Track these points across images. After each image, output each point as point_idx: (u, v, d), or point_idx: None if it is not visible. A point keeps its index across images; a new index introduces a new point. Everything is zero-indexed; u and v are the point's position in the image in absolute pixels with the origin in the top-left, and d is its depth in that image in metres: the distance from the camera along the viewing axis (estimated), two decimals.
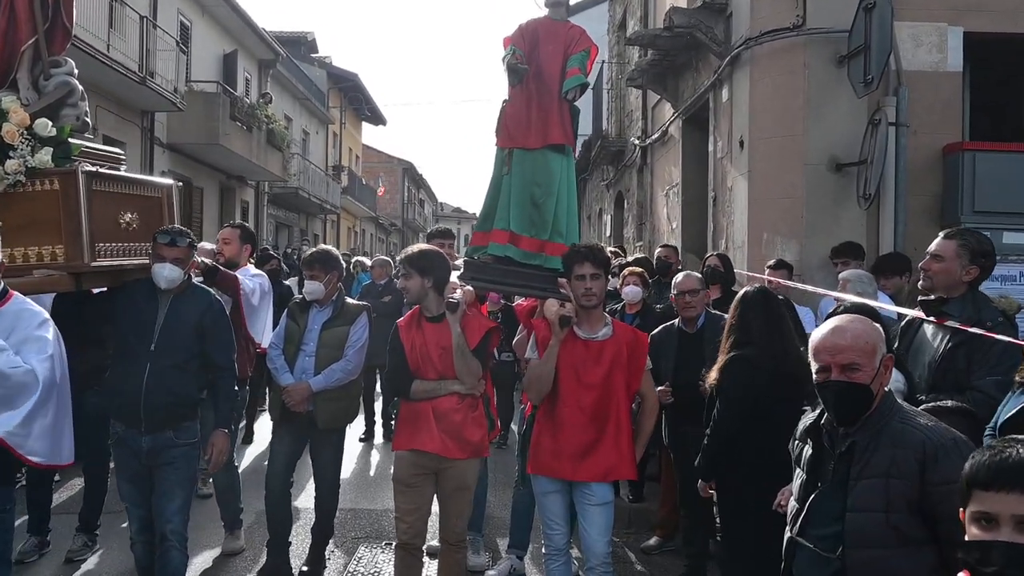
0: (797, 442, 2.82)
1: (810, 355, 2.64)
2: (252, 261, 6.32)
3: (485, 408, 4.61)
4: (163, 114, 18.60)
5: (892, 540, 2.40)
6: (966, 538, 1.74)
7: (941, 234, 3.93)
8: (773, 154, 7.55)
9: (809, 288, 6.33)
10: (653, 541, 6.05)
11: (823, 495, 2.57)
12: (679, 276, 5.52)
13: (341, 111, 36.67)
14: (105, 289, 4.49)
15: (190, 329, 4.34)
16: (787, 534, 2.70)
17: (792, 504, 2.75)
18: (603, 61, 16.87)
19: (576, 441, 4.18)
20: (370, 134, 45.20)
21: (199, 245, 5.36)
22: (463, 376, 4.38)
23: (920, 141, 7.27)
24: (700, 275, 5.62)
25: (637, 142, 13.46)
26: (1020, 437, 1.79)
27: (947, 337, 3.78)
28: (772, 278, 6.60)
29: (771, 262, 6.84)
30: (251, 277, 5.83)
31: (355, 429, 8.58)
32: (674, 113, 10.68)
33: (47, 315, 3.36)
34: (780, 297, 5.23)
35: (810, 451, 2.70)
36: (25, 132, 4.05)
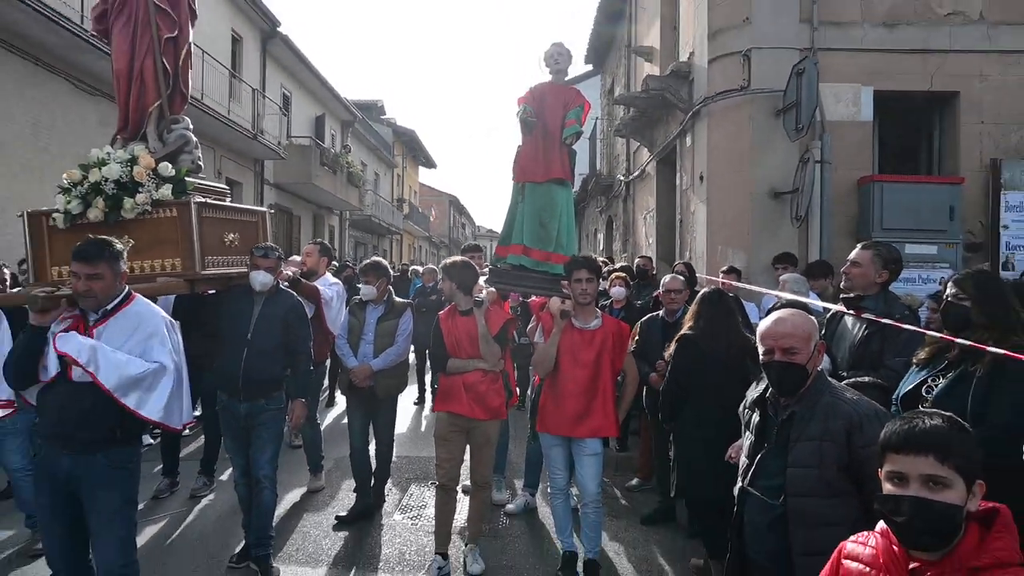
0: (746, 410, 2.64)
1: (757, 340, 2.48)
2: (330, 270, 6.17)
3: (504, 382, 4.47)
4: (270, 161, 18.67)
5: (824, 491, 2.24)
6: (883, 492, 1.61)
7: (859, 246, 3.71)
8: (726, 186, 7.33)
9: (754, 288, 6.11)
10: (635, 482, 5.89)
11: (768, 453, 2.41)
12: (667, 278, 5.34)
13: (403, 158, 36.64)
14: (214, 292, 4.38)
15: (278, 323, 4.24)
16: (738, 484, 2.53)
17: (743, 460, 2.56)
18: (596, 118, 16.69)
19: (573, 406, 4.09)
20: (424, 175, 45.18)
21: (290, 259, 5.25)
22: (486, 356, 4.30)
23: (839, 175, 7.02)
24: (683, 278, 5.42)
25: (622, 178, 13.25)
26: (927, 411, 1.66)
27: (864, 327, 3.57)
28: (725, 280, 6.39)
29: (724, 268, 6.63)
30: (329, 285, 5.69)
31: (408, 397, 8.47)
32: (650, 156, 10.46)
33: (163, 313, 3.23)
34: (731, 295, 5.12)
35: (757, 418, 2.53)
36: (151, 173, 3.96)
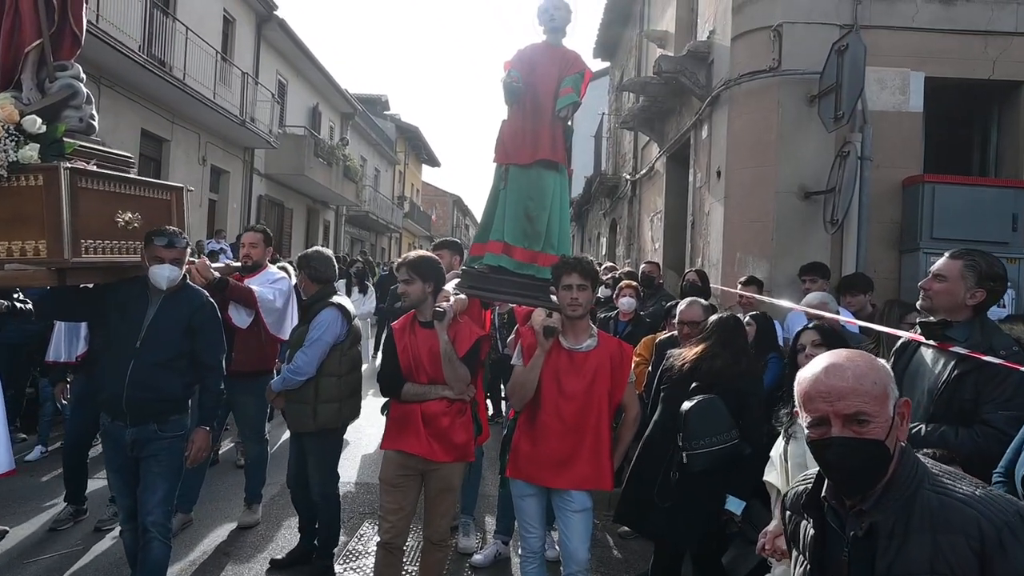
0: (790, 513, 1.63)
1: (798, 403, 1.47)
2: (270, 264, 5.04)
3: (473, 413, 3.50)
4: (262, 151, 17.81)
5: None
6: None
7: (946, 255, 2.71)
8: (747, 183, 6.32)
9: (778, 302, 5.11)
10: None
11: None
12: (683, 305, 4.28)
13: (405, 155, 35.74)
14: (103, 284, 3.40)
15: (179, 328, 3.27)
16: None
17: None
18: (603, 113, 15.76)
19: (554, 449, 3.16)
20: (428, 173, 44.24)
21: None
22: (451, 382, 3.33)
23: (881, 174, 6.01)
24: (704, 303, 4.33)
25: (628, 177, 12.27)
26: None
27: (951, 364, 2.58)
28: (743, 293, 5.41)
29: (743, 278, 5.61)
30: (272, 281, 4.61)
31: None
32: (660, 151, 9.46)
33: None
34: (755, 312, 4.27)
35: (812, 531, 1.51)
36: (12, 128, 2.98)
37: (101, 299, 3.37)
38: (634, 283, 5.65)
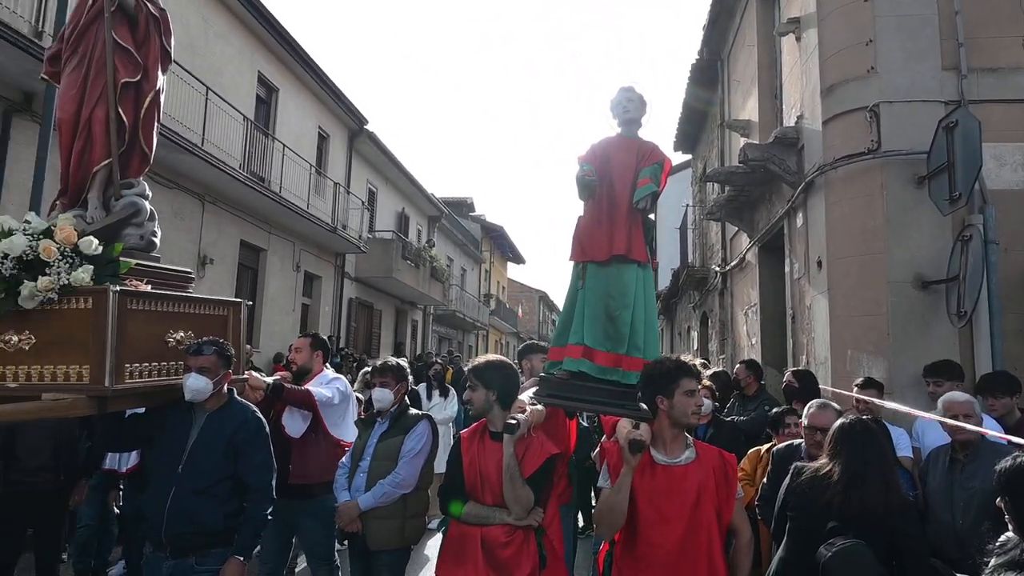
0: None
1: None
2: (327, 367, 4.82)
3: (538, 541, 3.03)
4: (352, 256, 18.38)
5: None
6: None
7: None
8: (853, 272, 5.70)
9: (903, 409, 4.40)
10: None
11: None
12: (812, 408, 3.69)
13: (491, 253, 36.33)
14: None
15: (220, 449, 3.05)
16: None
17: None
18: (687, 205, 15.39)
19: None
20: (513, 270, 44.68)
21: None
22: (510, 503, 2.95)
23: (1010, 258, 5.29)
24: (837, 408, 3.74)
25: (718, 269, 11.69)
26: None
27: None
28: (860, 396, 4.72)
29: (859, 380, 4.89)
30: (328, 383, 4.41)
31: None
32: (751, 242, 8.93)
33: None
34: (874, 421, 3.61)
35: None
36: (68, 250, 2.92)
37: (146, 423, 3.19)
38: (708, 383, 4.99)
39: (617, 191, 3.61)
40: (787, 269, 7.34)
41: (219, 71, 12.27)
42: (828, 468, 2.88)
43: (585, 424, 5.41)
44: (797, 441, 3.89)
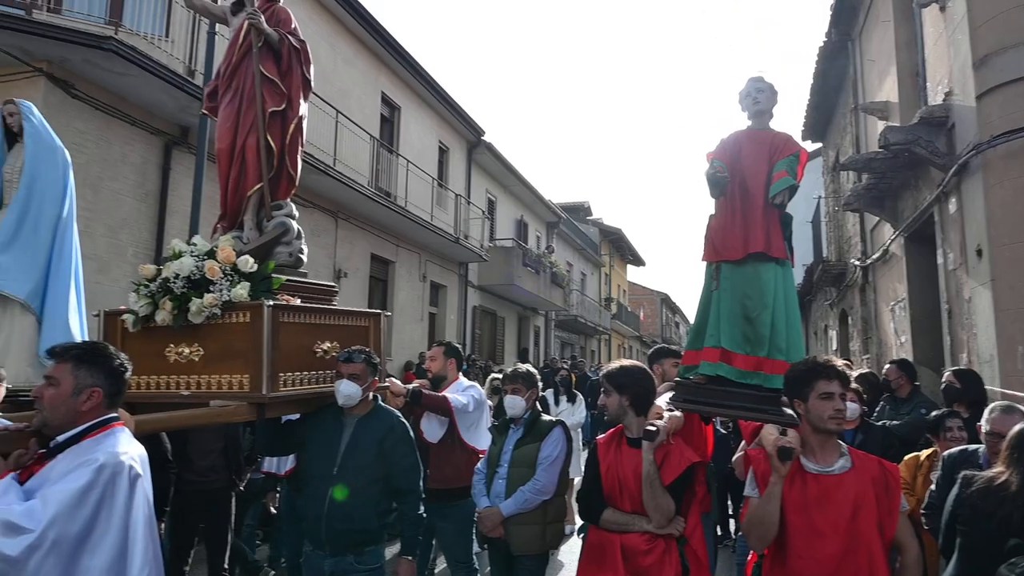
0: None
1: None
2: (460, 375, 4.93)
3: (679, 552, 2.96)
4: (474, 264, 18.84)
5: None
6: None
7: None
8: (1021, 260, 5.15)
9: None
10: None
11: None
12: (995, 411, 3.37)
13: (610, 257, 35.98)
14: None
15: (372, 452, 3.21)
16: None
17: None
18: (819, 196, 14.54)
19: None
20: (633, 272, 43.95)
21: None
22: (650, 512, 2.90)
23: None
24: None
25: (857, 263, 10.93)
26: None
27: None
28: None
29: None
30: (463, 390, 4.51)
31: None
32: (895, 232, 8.29)
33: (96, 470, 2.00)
34: None
35: None
36: (228, 269, 3.20)
37: (301, 429, 3.41)
38: (855, 385, 4.65)
39: (751, 186, 3.46)
40: (940, 260, 6.74)
41: (347, 94, 12.99)
42: (1004, 478, 2.60)
43: (721, 430, 5.22)
44: (974, 446, 3.54)
